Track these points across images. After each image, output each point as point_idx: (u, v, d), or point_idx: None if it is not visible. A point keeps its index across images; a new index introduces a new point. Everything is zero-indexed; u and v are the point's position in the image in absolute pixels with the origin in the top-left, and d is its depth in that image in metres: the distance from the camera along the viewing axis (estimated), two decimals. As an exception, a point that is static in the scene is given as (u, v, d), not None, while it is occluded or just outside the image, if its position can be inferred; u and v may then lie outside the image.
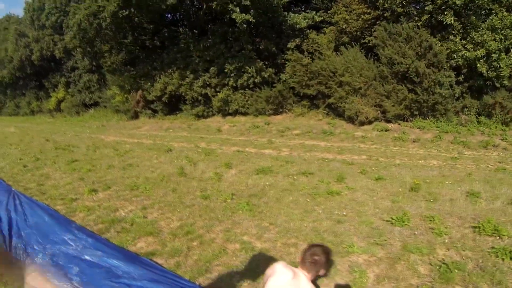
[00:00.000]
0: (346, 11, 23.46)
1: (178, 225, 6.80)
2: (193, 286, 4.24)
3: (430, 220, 6.69)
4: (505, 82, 19.66)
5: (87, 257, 5.25)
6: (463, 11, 19.76)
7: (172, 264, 5.27)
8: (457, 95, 20.87)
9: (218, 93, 27.22)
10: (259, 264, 5.26)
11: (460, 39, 20.23)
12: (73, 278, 4.82)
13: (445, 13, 19.68)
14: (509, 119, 19.42)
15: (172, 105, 31.18)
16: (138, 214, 7.28)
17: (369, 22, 23.07)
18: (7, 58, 49.68)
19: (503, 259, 5.18)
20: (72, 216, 7.21)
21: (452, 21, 19.60)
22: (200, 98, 28.53)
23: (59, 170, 11.92)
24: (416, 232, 6.22)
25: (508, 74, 19.46)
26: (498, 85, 19.92)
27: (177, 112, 31.25)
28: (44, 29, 45.15)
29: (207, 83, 27.61)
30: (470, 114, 20.51)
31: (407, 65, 19.67)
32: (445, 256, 5.34)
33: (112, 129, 30.02)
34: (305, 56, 24.40)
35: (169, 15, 32.01)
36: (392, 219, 6.74)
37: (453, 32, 20.33)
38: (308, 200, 8.30)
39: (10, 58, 49.03)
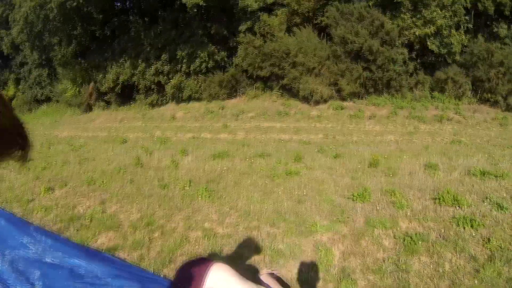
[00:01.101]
0: (298, -8, 23.38)
1: (138, 217, 6.60)
2: (157, 279, 4.07)
3: (391, 194, 6.68)
4: (457, 58, 19.97)
5: (47, 260, 5.01)
6: (413, -12, 19.96)
7: (135, 258, 5.08)
8: (410, 71, 21.17)
9: (171, 80, 26.92)
10: (222, 250, 5.15)
11: (411, 17, 20.44)
12: (35, 283, 4.59)
13: (396, -10, 19.86)
14: (461, 94, 19.81)
15: (126, 95, 30.70)
16: (96, 209, 7.03)
17: (321, 3, 23.04)
18: (-50, 59, 47.72)
19: (464, 228, 5.20)
20: (30, 217, 6.91)
21: (403, -1, 19.80)
22: (153, 86, 28.24)
23: (13, 171, 11.51)
24: (378, 207, 6.20)
25: (459, 50, 19.77)
26: (450, 61, 20.24)
27: (131, 102, 30.81)
28: None
29: (160, 70, 27.30)
30: (424, 90, 20.81)
31: (360, 44, 19.80)
32: (408, 229, 5.33)
33: (66, 124, 29.37)
34: (257, 38, 24.29)
35: (118, 4, 31.38)
36: (353, 195, 6.69)
37: (403, 10, 20.51)
38: (267, 182, 8.20)
39: None
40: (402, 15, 20.60)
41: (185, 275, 3.29)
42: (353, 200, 6.58)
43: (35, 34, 29.68)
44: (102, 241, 5.70)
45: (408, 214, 5.83)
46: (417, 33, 20.17)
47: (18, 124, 1.03)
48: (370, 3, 20.85)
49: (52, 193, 8.48)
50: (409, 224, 5.49)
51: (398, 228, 5.36)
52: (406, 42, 20.88)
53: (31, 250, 3.97)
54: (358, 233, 5.29)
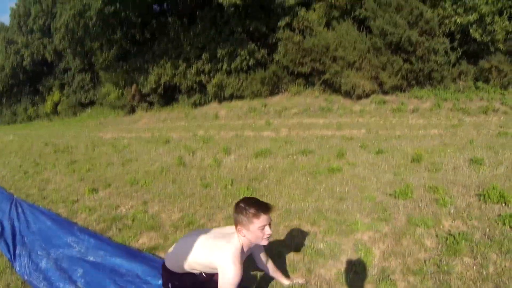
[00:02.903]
0: (335, -16, 23.17)
1: (179, 217, 6.71)
2: None
3: (434, 191, 6.58)
4: (500, 46, 19.39)
5: (90, 258, 5.24)
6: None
7: (175, 258, 5.19)
8: (452, 61, 20.63)
9: (212, 79, 27.09)
10: (262, 250, 5.17)
11: (452, 4, 20.00)
12: (77, 280, 4.80)
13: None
14: (507, 83, 19.26)
15: (168, 95, 31.19)
16: (139, 209, 7.21)
17: (359, -6, 22.78)
18: (-2, 67, 49.63)
19: (510, 227, 5.06)
20: (74, 218, 7.17)
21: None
22: (195, 86, 28.57)
23: (59, 173, 11.90)
24: (420, 204, 6.10)
25: (503, 38, 19.20)
26: (493, 49, 19.68)
27: (174, 102, 31.27)
28: (33, 34, 45.00)
29: (201, 70, 27.56)
30: (468, 80, 20.29)
31: (400, 35, 19.51)
32: (452, 227, 5.22)
33: (110, 126, 29.99)
34: (296, 34, 24.22)
35: (156, 6, 31.77)
36: (395, 192, 6.63)
37: (443, -3, 20.14)
38: (309, 179, 8.21)
39: (2, 67, 49.13)
40: (442, 3, 20.21)
41: None
42: (395, 197, 6.52)
43: (76, 40, 30.51)
44: (143, 240, 5.84)
45: (452, 212, 5.72)
46: (458, 21, 19.71)
47: None
48: (408, -8, 20.53)
49: (96, 193, 8.79)
50: (452, 222, 5.38)
51: (441, 227, 5.26)
52: (447, 31, 20.41)
53: (74, 249, 4.30)
54: (399, 232, 5.23)
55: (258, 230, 3.33)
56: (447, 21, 20.08)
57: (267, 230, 3.37)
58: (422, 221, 5.39)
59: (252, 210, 3.30)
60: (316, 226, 5.74)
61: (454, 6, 19.89)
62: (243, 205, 3.36)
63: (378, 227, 5.41)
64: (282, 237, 5.48)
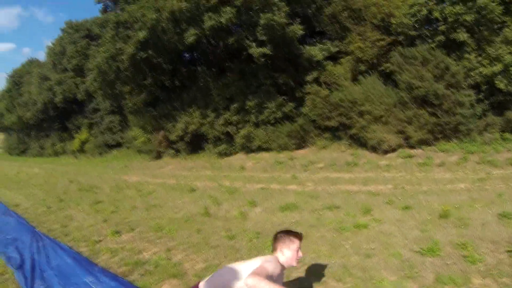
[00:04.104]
0: (361, 39, 23.41)
1: (203, 267, 6.70)
2: None
3: (462, 248, 6.45)
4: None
5: None
6: (475, 27, 19.58)
7: (197, 308, 5.15)
8: (479, 113, 20.40)
9: (240, 130, 27.23)
10: (287, 307, 5.11)
11: (476, 56, 19.99)
12: None
13: (457, 31, 19.52)
14: (534, 133, 19.00)
15: (195, 144, 31.29)
16: (162, 256, 7.24)
17: (385, 49, 22.91)
18: (31, 101, 51.27)
19: (542, 285, 4.95)
20: (96, 258, 7.24)
21: (465, 38, 19.40)
22: (222, 136, 28.61)
23: (83, 211, 12.09)
24: (448, 262, 6.00)
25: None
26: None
27: (200, 151, 31.31)
28: (66, 72, 46.23)
29: (228, 121, 27.68)
30: (494, 132, 20.06)
31: (426, 89, 19.50)
32: (481, 286, 5.11)
33: (135, 170, 30.18)
34: (323, 88, 24.39)
35: (187, 55, 32.46)
36: (422, 249, 6.53)
37: (467, 50, 20.12)
38: (335, 235, 8.14)
39: (34, 101, 50.51)
40: (466, 55, 20.20)
41: None
42: (422, 254, 6.42)
43: (107, 83, 31.17)
44: (165, 288, 5.80)
45: (481, 269, 5.60)
46: (483, 72, 19.66)
47: None
48: (434, 45, 20.58)
49: (119, 236, 8.93)
50: (482, 280, 5.27)
51: (470, 285, 5.15)
52: (473, 83, 20.33)
53: (93, 290, 4.23)
54: (427, 290, 5.14)
55: (295, 251, 4.06)
56: (472, 73, 20.04)
57: (300, 253, 4.12)
58: (450, 279, 5.29)
59: (293, 234, 4.18)
60: (341, 282, 5.67)
61: (480, 58, 19.90)
62: (284, 232, 4.26)
63: (405, 285, 5.33)
64: (307, 293, 5.44)
